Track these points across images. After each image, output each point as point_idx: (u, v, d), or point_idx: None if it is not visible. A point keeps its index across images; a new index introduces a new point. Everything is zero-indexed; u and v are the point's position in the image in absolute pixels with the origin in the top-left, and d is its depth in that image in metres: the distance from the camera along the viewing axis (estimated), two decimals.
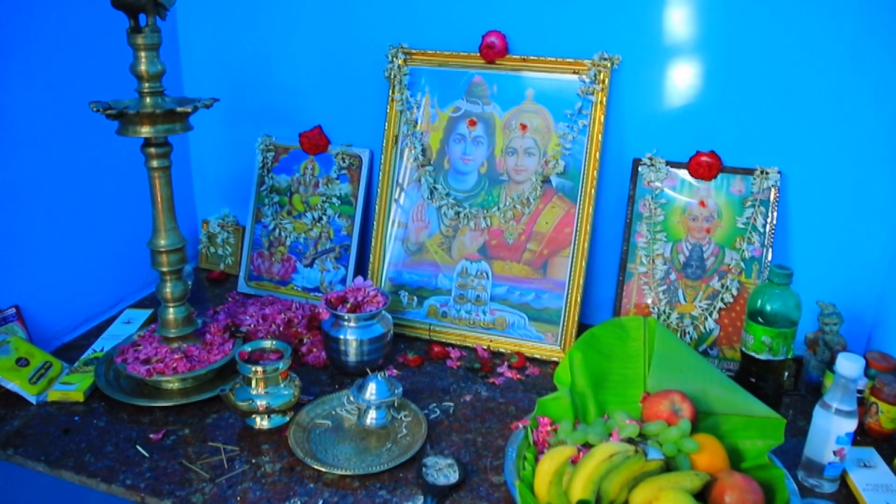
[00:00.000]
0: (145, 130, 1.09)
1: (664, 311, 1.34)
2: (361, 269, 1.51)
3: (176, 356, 1.22)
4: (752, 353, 1.14)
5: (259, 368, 1.10)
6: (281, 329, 1.39)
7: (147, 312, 1.48)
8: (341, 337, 1.25)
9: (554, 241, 1.36)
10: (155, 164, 1.15)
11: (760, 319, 1.12)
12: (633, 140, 1.38)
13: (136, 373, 1.20)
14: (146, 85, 1.10)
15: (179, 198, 1.69)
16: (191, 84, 1.65)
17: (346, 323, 1.25)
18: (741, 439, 1.01)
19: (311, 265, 1.55)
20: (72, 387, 1.21)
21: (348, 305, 1.27)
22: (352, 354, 1.26)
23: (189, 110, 1.07)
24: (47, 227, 1.35)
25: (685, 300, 1.34)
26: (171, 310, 1.24)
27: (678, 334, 1.33)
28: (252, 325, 1.38)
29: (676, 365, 1.12)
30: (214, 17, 1.57)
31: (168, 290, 1.22)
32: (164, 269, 1.21)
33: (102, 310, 1.49)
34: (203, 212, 1.75)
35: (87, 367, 1.28)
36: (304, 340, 1.38)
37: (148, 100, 1.11)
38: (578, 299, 1.34)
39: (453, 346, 1.39)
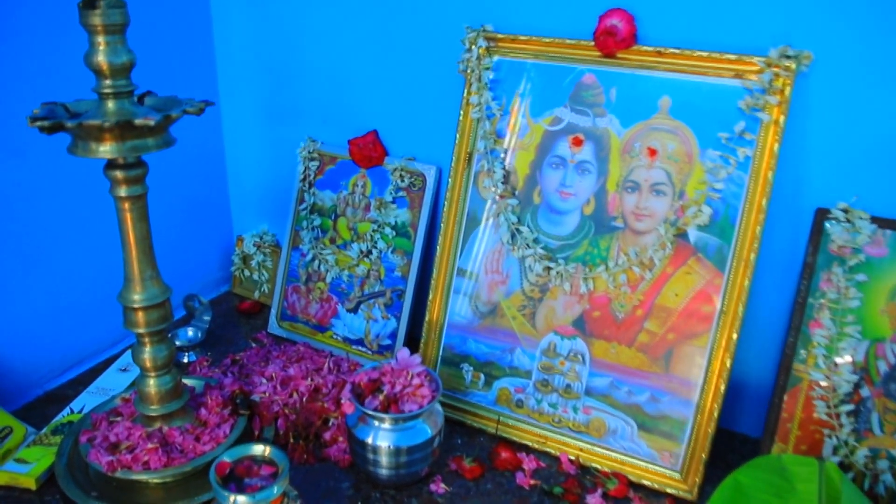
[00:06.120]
0: (105, 149, 0.77)
1: (846, 443, 0.89)
2: (416, 325, 1.15)
3: (150, 445, 0.91)
4: None
5: (242, 499, 0.77)
6: (303, 401, 1.06)
7: None
8: (369, 442, 0.90)
9: (685, 323, 0.94)
10: (123, 192, 0.83)
11: None
12: (818, 181, 0.93)
13: (96, 462, 0.90)
14: (107, 83, 0.77)
15: (213, 208, 1.42)
16: (226, 78, 1.33)
17: (377, 423, 0.90)
18: None
19: (355, 310, 1.21)
20: (25, 468, 0.94)
21: (381, 397, 0.91)
22: (384, 466, 0.90)
23: (151, 123, 0.73)
24: (27, 243, 1.07)
25: (882, 430, 0.89)
26: (152, 381, 0.93)
27: (865, 480, 0.89)
28: (267, 394, 1.06)
29: None
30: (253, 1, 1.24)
31: (147, 356, 0.91)
32: (141, 331, 0.90)
33: (101, 348, 1.22)
34: (240, 226, 1.44)
35: (55, 436, 1.01)
36: (331, 422, 1.04)
37: (110, 104, 0.78)
38: (716, 411, 0.92)
39: (528, 450, 1.01)
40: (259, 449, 0.84)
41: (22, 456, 0.96)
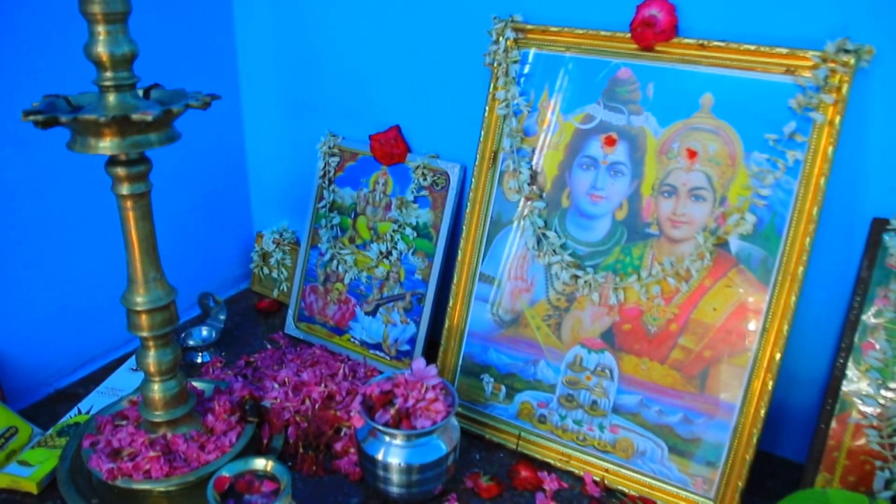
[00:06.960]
0: (104, 145, 0.73)
1: None
2: (437, 330, 1.09)
3: (152, 453, 0.88)
4: None
5: None
6: (316, 408, 1.01)
7: None
8: (379, 458, 0.84)
9: (724, 340, 0.87)
10: (124, 189, 0.79)
11: None
12: (876, 189, 0.84)
13: (97, 469, 0.87)
14: (107, 75, 0.73)
15: (233, 203, 1.37)
16: (248, 71, 1.30)
17: (388, 438, 0.85)
18: None
19: (373, 313, 1.16)
20: (27, 470, 0.91)
21: (393, 411, 0.86)
22: (395, 483, 0.85)
23: (148, 118, 0.69)
24: (39, 239, 1.04)
25: None
26: (156, 386, 0.89)
27: None
28: (278, 399, 1.02)
29: None
30: None
31: (151, 360, 0.87)
32: (145, 335, 0.86)
33: (114, 346, 1.19)
34: (260, 222, 1.40)
35: (60, 438, 0.98)
36: (343, 431, 0.99)
37: (111, 97, 0.74)
38: (755, 436, 0.85)
39: (550, 468, 0.95)
40: (261, 463, 0.80)
41: (25, 458, 0.94)
